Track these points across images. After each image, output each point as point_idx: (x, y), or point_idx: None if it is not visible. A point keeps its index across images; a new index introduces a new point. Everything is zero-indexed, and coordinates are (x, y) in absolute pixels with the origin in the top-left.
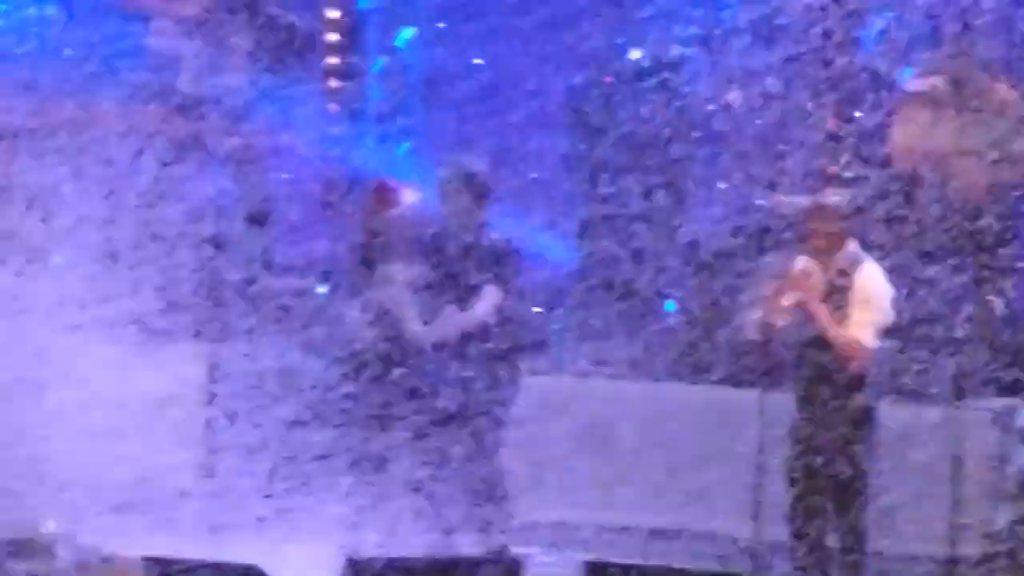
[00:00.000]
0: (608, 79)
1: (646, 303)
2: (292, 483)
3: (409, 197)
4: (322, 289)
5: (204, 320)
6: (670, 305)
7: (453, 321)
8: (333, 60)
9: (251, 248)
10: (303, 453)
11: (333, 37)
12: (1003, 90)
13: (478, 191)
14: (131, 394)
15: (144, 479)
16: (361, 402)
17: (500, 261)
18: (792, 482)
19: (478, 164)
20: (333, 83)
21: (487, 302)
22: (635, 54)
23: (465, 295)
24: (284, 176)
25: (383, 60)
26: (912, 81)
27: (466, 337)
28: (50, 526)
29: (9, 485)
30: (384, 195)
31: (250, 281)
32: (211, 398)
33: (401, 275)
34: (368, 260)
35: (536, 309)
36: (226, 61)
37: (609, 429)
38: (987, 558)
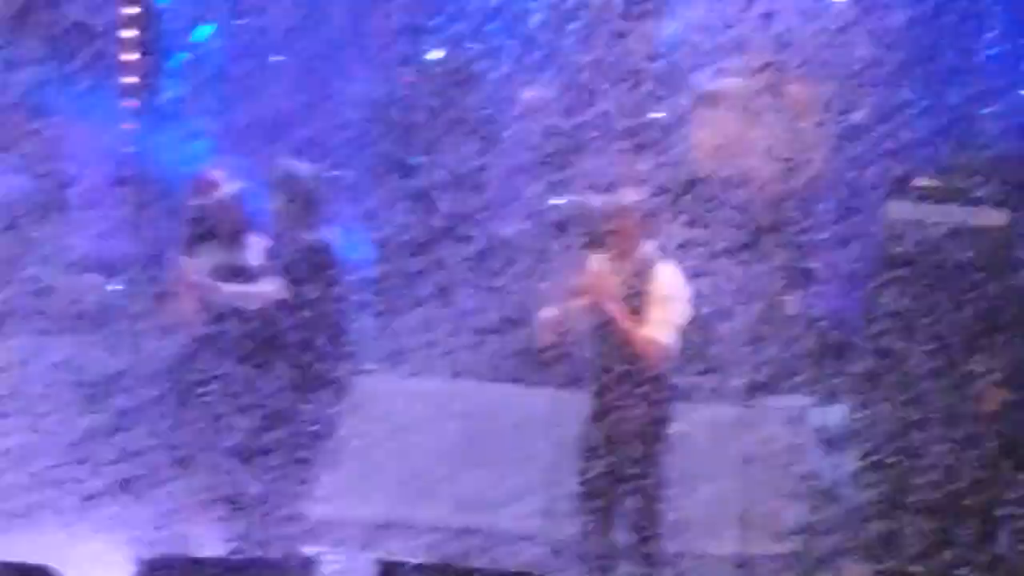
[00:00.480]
0: (408, 78)
1: (446, 303)
2: (84, 483)
3: (229, 187)
4: (116, 287)
5: None
6: (462, 306)
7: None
8: (130, 56)
9: (45, 244)
10: (97, 453)
11: (130, 33)
12: (801, 91)
13: (306, 196)
14: None
15: None
16: (163, 401)
17: (315, 261)
18: (587, 482)
19: (309, 169)
20: (130, 79)
21: (265, 288)
22: (435, 54)
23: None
24: (79, 172)
25: (182, 56)
26: (710, 81)
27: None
28: None
29: None
30: (204, 183)
31: (42, 278)
32: None
33: (210, 260)
34: (188, 249)
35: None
36: (20, 57)
37: (407, 427)
38: (778, 557)
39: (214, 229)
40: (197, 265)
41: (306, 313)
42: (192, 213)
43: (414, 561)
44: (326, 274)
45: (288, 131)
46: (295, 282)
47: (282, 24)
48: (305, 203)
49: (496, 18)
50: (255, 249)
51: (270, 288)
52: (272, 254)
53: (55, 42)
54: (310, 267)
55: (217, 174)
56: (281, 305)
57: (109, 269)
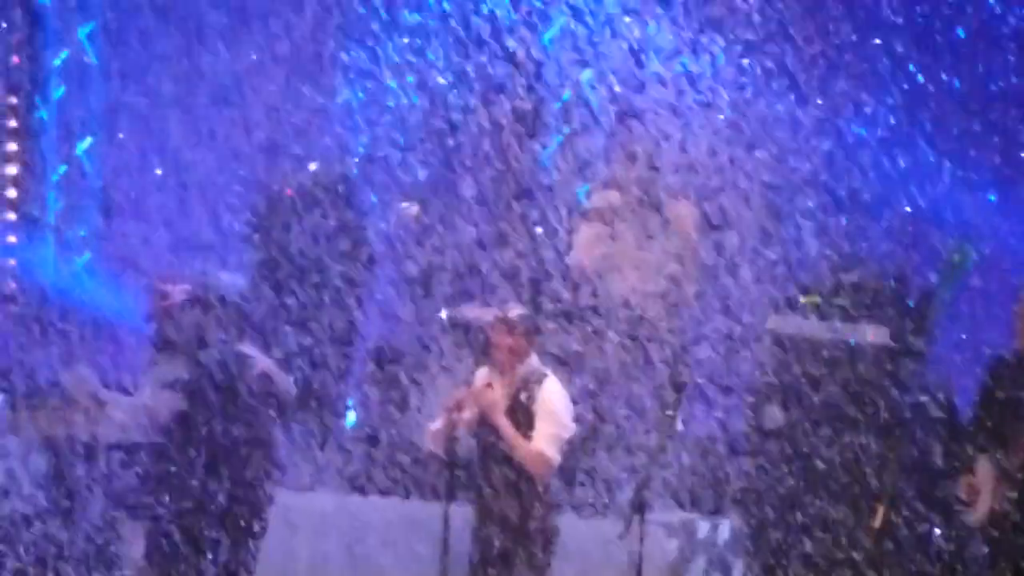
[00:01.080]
0: (289, 191)
1: (330, 416)
2: None
3: (180, 296)
4: None
5: None
6: (350, 420)
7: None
8: (11, 169)
9: None
10: None
11: (12, 146)
12: (681, 205)
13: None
14: None
15: None
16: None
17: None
18: None
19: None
20: (11, 192)
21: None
22: (313, 165)
23: None
24: None
25: (62, 169)
26: (590, 196)
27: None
28: None
29: None
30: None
31: None
32: None
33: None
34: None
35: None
36: None
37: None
38: None
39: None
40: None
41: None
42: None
43: None
44: (239, 389)
45: (165, 248)
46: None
47: (164, 137)
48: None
49: (375, 128)
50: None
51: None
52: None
53: None
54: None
55: (167, 286)
56: (181, 419)
57: None
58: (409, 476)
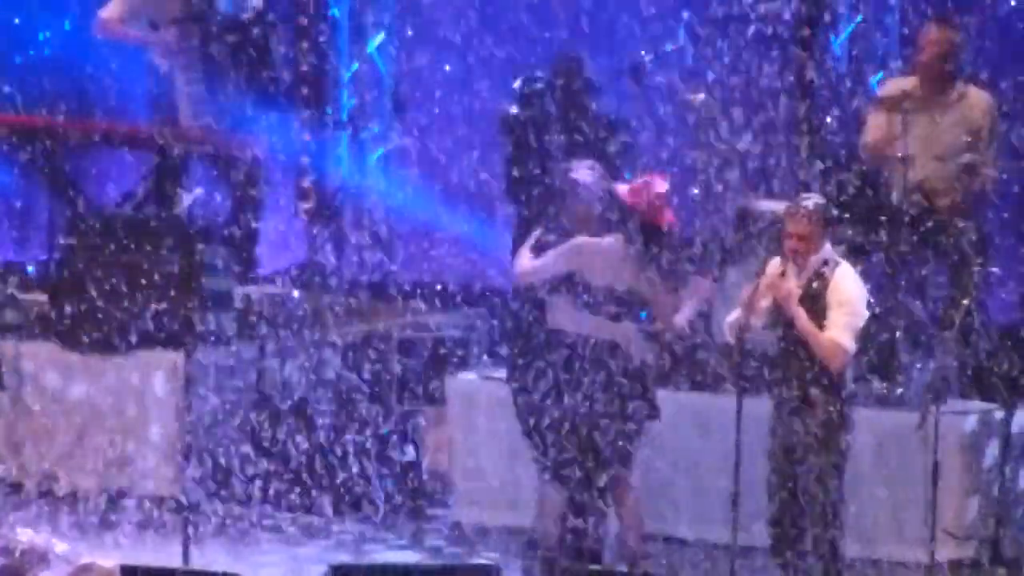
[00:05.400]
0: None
1: None
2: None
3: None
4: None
5: None
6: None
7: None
8: (304, 67)
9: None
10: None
11: (304, 44)
12: (974, 94)
13: None
14: None
15: None
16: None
17: None
18: (771, 487)
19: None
20: (304, 90)
21: None
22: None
23: None
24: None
25: (355, 66)
26: (883, 85)
27: None
28: (27, 535)
29: None
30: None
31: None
32: None
33: None
34: None
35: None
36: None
37: None
38: (963, 562)
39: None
40: None
41: None
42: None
43: None
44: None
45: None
46: None
47: (455, 33)
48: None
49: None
50: None
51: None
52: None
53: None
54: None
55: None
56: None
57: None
58: (702, 368)
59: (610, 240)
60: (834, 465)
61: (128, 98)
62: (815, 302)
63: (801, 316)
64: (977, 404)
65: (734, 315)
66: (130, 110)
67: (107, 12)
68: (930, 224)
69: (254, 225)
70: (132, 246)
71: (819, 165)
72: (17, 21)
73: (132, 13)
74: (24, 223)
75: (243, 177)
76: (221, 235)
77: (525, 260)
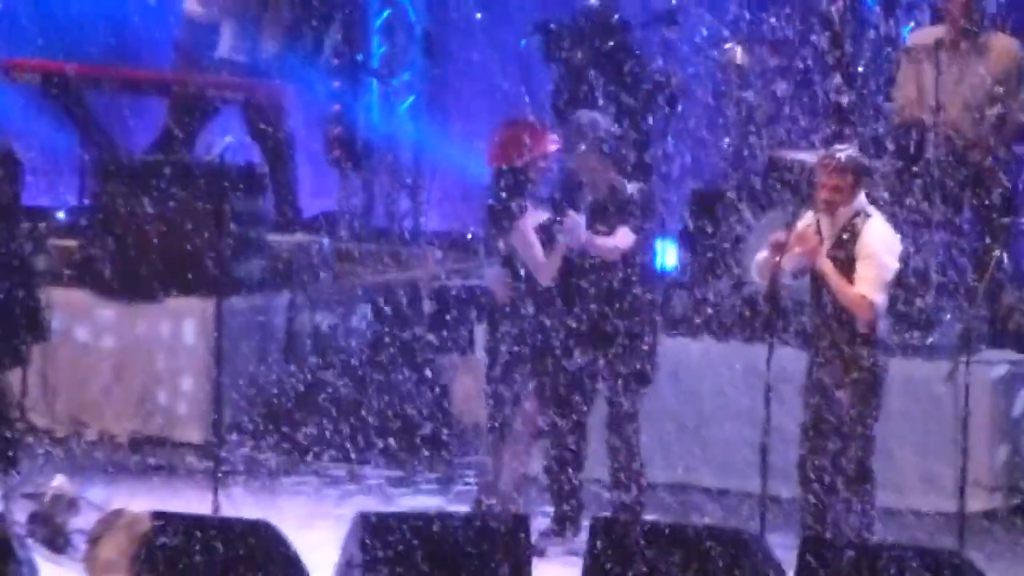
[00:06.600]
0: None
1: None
2: None
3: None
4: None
5: None
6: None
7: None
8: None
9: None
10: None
11: None
12: (1003, 41)
13: (611, 146)
14: None
15: None
16: None
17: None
18: (803, 438)
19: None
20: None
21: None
22: None
23: None
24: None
25: (385, 14)
26: (912, 35)
27: None
28: (58, 481)
29: None
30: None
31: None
32: None
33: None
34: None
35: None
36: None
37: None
38: (994, 513)
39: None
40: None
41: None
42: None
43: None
44: (647, 228)
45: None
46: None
47: None
48: (611, 155)
49: None
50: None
51: (626, 240)
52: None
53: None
54: (638, 218)
55: (540, 130)
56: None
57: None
58: (733, 317)
59: None
60: (866, 416)
61: (157, 46)
62: (845, 253)
63: (829, 271)
64: (1008, 354)
65: (762, 255)
66: (159, 57)
67: None
68: (961, 174)
69: (285, 173)
70: (163, 192)
71: (851, 116)
72: None
73: None
74: (55, 168)
75: (272, 124)
76: (252, 182)
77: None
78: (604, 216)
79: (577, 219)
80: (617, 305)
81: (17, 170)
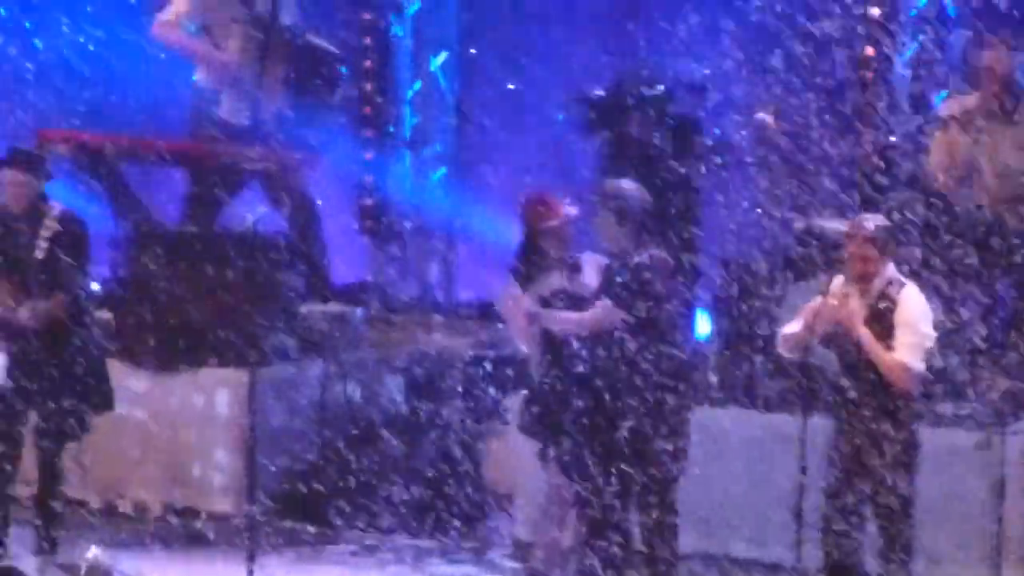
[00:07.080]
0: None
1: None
2: None
3: (567, 211)
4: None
5: None
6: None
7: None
8: (368, 86)
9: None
10: None
11: (368, 63)
12: None
13: (635, 215)
14: None
15: None
16: None
17: (648, 281)
18: (835, 507)
19: (634, 188)
20: (367, 109)
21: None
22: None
23: None
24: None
25: (417, 85)
26: (946, 104)
27: None
28: (92, 552)
29: None
30: (541, 208)
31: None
32: None
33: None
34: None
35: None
36: (263, 92)
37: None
38: None
39: (548, 254)
40: (526, 293)
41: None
42: (528, 239)
43: None
44: (659, 295)
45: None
46: (626, 305)
47: (511, 48)
48: (634, 223)
49: (719, 41)
50: (588, 272)
51: (603, 314)
52: (606, 276)
53: (295, 75)
54: (642, 288)
55: (552, 198)
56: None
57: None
58: (766, 388)
59: None
60: (902, 485)
61: (171, 116)
62: (881, 323)
63: (867, 337)
64: None
65: (790, 328)
66: (173, 127)
67: (166, 15)
68: (997, 242)
69: (310, 242)
70: (196, 263)
71: (884, 184)
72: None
73: (190, 17)
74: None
75: (292, 193)
76: (286, 253)
77: None
78: (609, 285)
79: (513, 291)
80: (636, 376)
81: (84, 242)
